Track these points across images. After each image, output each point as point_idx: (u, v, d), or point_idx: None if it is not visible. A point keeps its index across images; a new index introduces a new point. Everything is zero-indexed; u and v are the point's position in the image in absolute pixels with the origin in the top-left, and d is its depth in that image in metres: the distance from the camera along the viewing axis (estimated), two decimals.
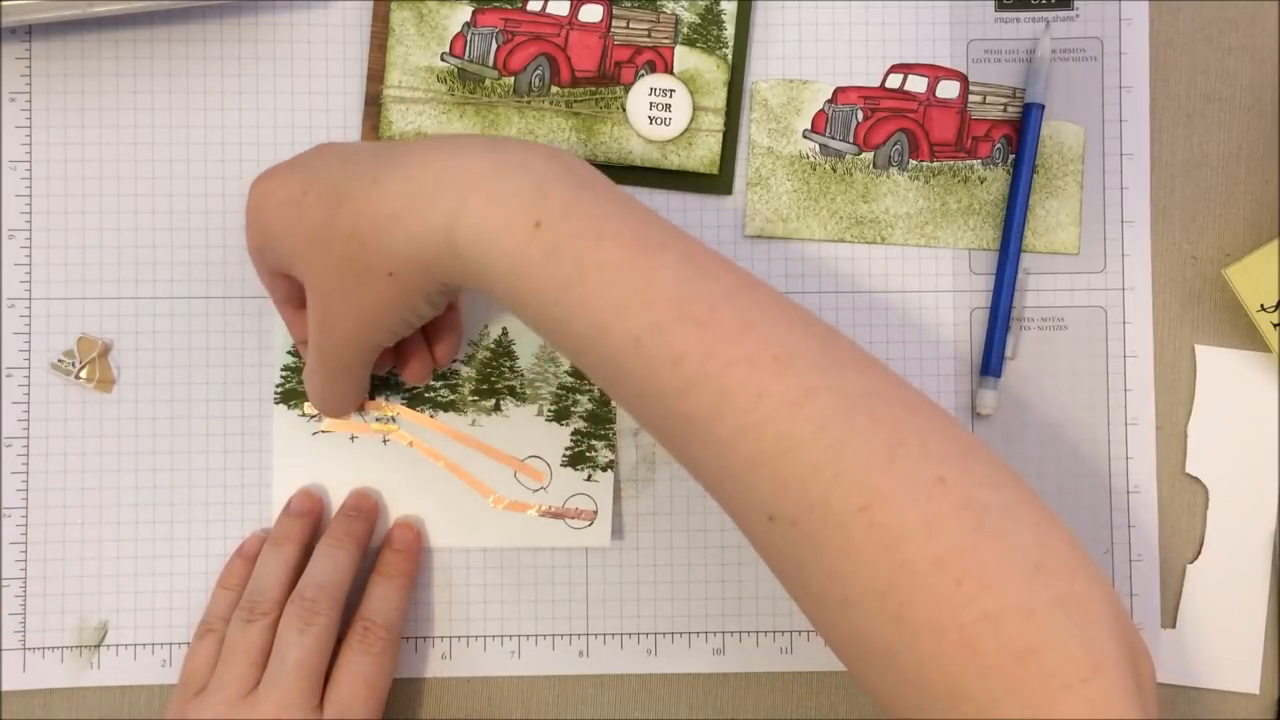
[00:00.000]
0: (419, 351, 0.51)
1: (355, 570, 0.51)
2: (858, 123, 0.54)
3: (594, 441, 0.53)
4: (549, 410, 0.53)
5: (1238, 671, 0.53)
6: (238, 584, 0.51)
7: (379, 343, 0.46)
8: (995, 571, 0.35)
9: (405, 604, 0.52)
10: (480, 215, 0.40)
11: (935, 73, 0.54)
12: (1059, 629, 0.35)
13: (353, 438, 0.53)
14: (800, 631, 0.53)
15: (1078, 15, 0.55)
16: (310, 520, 0.52)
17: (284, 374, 0.53)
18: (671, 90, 0.53)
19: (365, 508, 0.52)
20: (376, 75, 0.53)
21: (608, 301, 0.39)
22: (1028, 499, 0.38)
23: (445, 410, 0.53)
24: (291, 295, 0.48)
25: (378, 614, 0.50)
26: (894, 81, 0.54)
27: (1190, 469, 0.54)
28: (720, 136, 0.54)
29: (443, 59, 0.53)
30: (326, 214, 0.42)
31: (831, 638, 0.39)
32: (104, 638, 0.53)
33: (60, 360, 0.53)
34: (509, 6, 0.54)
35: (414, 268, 0.41)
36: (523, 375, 0.53)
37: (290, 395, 0.53)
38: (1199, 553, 0.54)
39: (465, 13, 0.53)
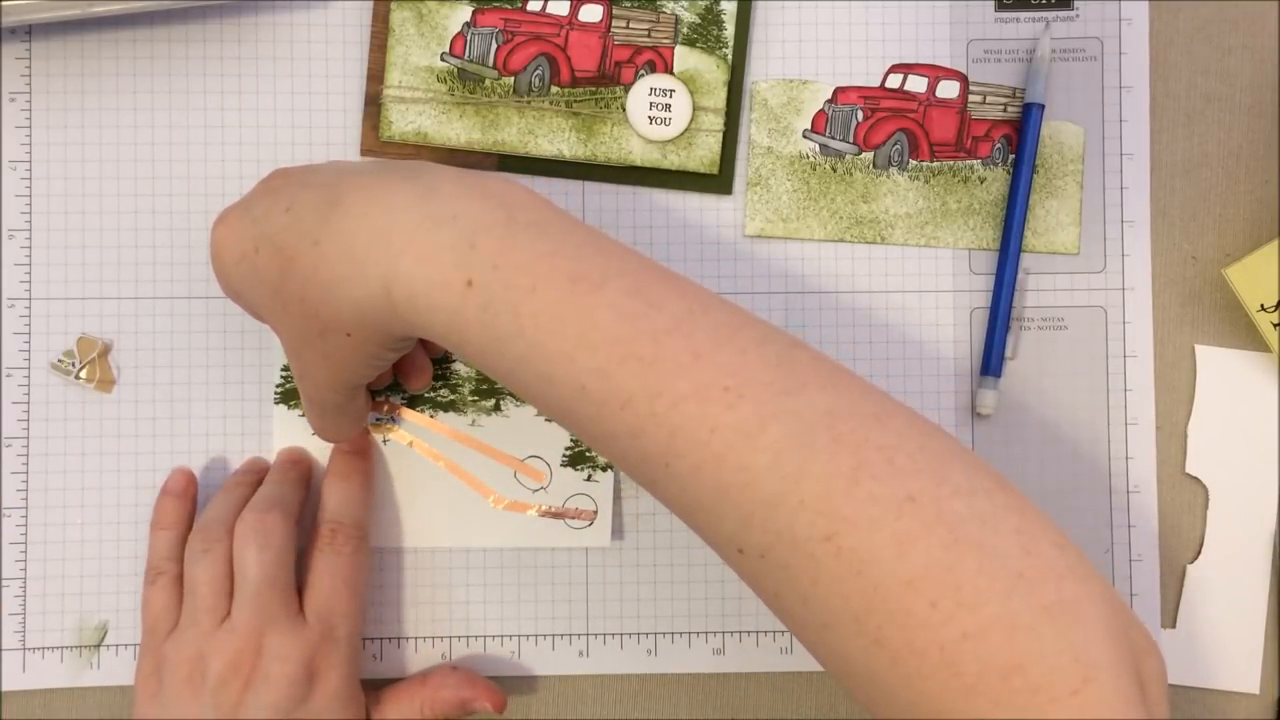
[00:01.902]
0: (417, 360, 0.51)
1: (302, 496, 0.51)
2: (858, 123, 0.54)
3: None
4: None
5: (1238, 671, 0.53)
6: (173, 522, 0.51)
7: (356, 384, 0.46)
8: (972, 587, 0.35)
9: (367, 501, 0.51)
10: (411, 278, 0.39)
11: (935, 73, 0.54)
12: (1044, 641, 0.34)
13: None
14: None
15: (1078, 15, 0.55)
16: (259, 477, 0.52)
17: (284, 374, 0.53)
18: (671, 90, 0.53)
19: (298, 458, 0.52)
20: (376, 75, 0.53)
21: (549, 351, 0.38)
22: (1011, 504, 0.37)
23: (445, 410, 0.53)
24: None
25: (343, 515, 0.50)
26: (894, 81, 0.54)
27: (1190, 469, 0.54)
28: (720, 136, 0.54)
29: (443, 59, 0.53)
30: (279, 273, 0.42)
31: (817, 656, 0.39)
32: (104, 638, 0.53)
33: (60, 360, 0.53)
34: (509, 6, 0.54)
35: (365, 327, 0.41)
36: None
37: (290, 395, 0.53)
38: (1199, 553, 0.54)
39: (465, 13, 0.53)
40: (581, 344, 0.38)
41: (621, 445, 0.38)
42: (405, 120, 0.53)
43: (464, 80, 0.53)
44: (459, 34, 0.53)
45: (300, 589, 0.49)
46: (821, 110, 0.54)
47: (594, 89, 0.54)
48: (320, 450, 0.53)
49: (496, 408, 0.53)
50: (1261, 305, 0.52)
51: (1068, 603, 0.35)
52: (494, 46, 0.54)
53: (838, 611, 0.36)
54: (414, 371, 0.52)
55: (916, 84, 0.54)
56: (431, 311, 0.39)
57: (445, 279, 0.39)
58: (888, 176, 0.54)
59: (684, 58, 0.54)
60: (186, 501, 0.52)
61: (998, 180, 0.54)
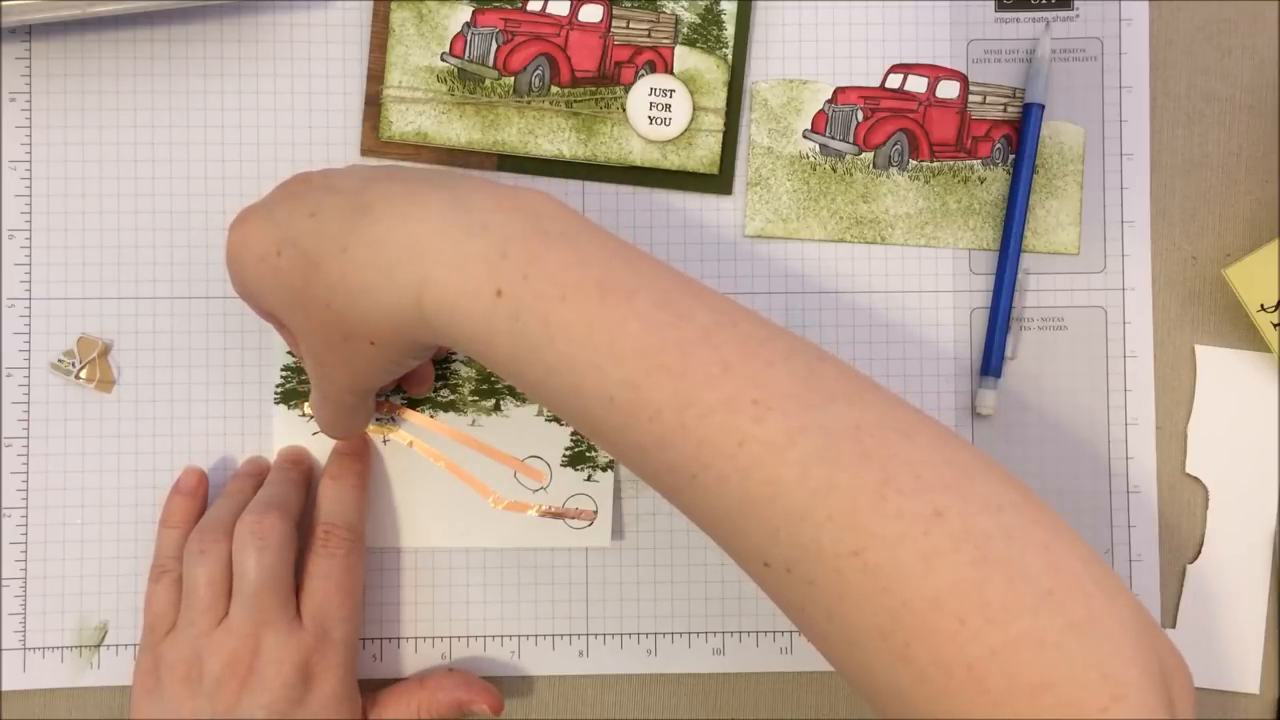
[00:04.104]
0: (421, 367, 0.51)
1: (302, 497, 0.51)
2: (858, 123, 0.54)
3: None
4: (549, 410, 0.53)
5: (1238, 671, 0.53)
6: (181, 521, 0.51)
7: (374, 387, 0.46)
8: (1000, 604, 0.34)
9: (362, 503, 0.51)
10: (442, 287, 0.39)
11: (935, 73, 0.54)
12: (1072, 658, 0.34)
13: None
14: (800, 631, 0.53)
15: (1078, 15, 0.55)
16: (260, 479, 0.52)
17: (284, 374, 0.53)
18: (671, 90, 0.53)
19: (299, 457, 0.53)
20: (376, 75, 0.53)
21: (578, 361, 0.38)
22: (1039, 518, 0.37)
23: (445, 410, 0.53)
24: (283, 324, 0.48)
25: (335, 515, 0.50)
26: (894, 81, 0.54)
27: (1190, 469, 0.54)
28: (720, 136, 0.54)
29: (443, 59, 0.53)
30: (302, 278, 0.42)
31: (842, 671, 0.38)
32: (104, 638, 0.53)
33: (60, 360, 0.53)
34: (509, 6, 0.54)
35: (391, 334, 0.41)
36: None
37: (290, 395, 0.53)
38: (1199, 553, 0.54)
39: (465, 13, 0.53)
40: (611, 354, 0.38)
41: (649, 457, 0.38)
42: (405, 120, 0.53)
43: (464, 80, 0.53)
44: (459, 34, 0.53)
45: (298, 591, 0.49)
46: (821, 110, 0.54)
47: (594, 89, 0.54)
48: (320, 450, 0.53)
49: (496, 408, 0.53)
50: (1261, 305, 0.52)
51: (1096, 619, 0.35)
52: (494, 46, 0.54)
53: (864, 627, 0.36)
54: (416, 378, 0.52)
55: (916, 84, 0.54)
56: (461, 320, 0.39)
57: (476, 288, 0.39)
58: (888, 176, 0.54)
59: (684, 58, 0.54)
60: (196, 500, 0.52)
61: (998, 180, 0.54)
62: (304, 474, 0.52)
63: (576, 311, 0.38)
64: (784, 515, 0.36)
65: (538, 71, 0.54)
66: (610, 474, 0.53)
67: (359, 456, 0.52)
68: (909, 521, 0.35)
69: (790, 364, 0.38)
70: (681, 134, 0.54)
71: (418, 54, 0.53)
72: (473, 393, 0.53)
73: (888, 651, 0.35)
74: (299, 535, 0.49)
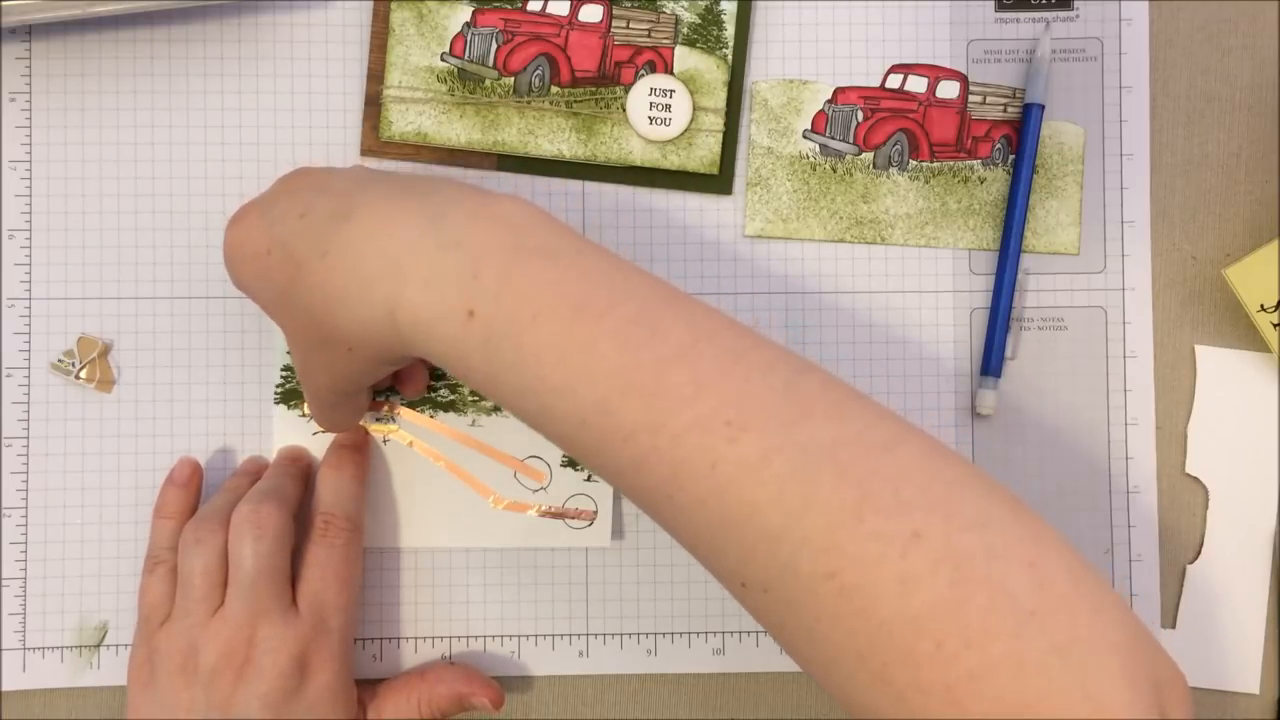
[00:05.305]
0: (414, 368, 0.52)
1: (300, 490, 0.51)
2: (858, 123, 0.54)
3: None
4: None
5: (1238, 671, 0.53)
6: (176, 512, 0.51)
7: (357, 388, 0.46)
8: (980, 626, 0.34)
9: (361, 494, 0.51)
10: (414, 306, 0.39)
11: (935, 73, 0.54)
12: (1053, 680, 0.33)
13: None
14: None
15: (1078, 15, 0.55)
16: (258, 476, 0.52)
17: (284, 374, 0.53)
18: (671, 90, 0.53)
19: (298, 455, 0.53)
20: (376, 75, 0.53)
21: (550, 384, 0.38)
22: (1025, 535, 0.36)
23: (445, 410, 0.53)
24: None
25: (335, 506, 0.50)
26: (894, 81, 0.54)
27: (1190, 469, 0.54)
28: (720, 136, 0.54)
29: (443, 59, 0.53)
30: (288, 279, 0.42)
31: (824, 688, 0.38)
32: (104, 638, 0.53)
33: (60, 360, 0.53)
34: (509, 6, 0.54)
35: (367, 344, 0.41)
36: None
37: (290, 395, 0.53)
38: (1199, 553, 0.54)
39: (465, 13, 0.53)
40: (583, 376, 0.37)
41: (626, 477, 0.38)
42: (405, 120, 0.53)
43: (464, 80, 0.53)
44: (459, 34, 0.53)
45: (295, 582, 0.49)
46: (821, 110, 0.54)
47: (594, 89, 0.54)
48: (320, 450, 0.53)
49: (497, 408, 0.53)
50: (1261, 305, 0.52)
51: (1081, 640, 0.34)
52: (494, 46, 0.54)
53: (842, 648, 0.35)
54: (409, 380, 0.52)
55: (916, 84, 0.54)
56: (434, 339, 0.39)
57: (448, 308, 0.38)
58: (888, 177, 0.54)
59: (684, 58, 0.54)
60: (190, 492, 0.52)
61: (998, 180, 0.54)
62: (303, 470, 0.52)
63: (548, 333, 0.38)
64: (760, 536, 0.36)
65: (538, 71, 0.54)
66: None
67: (358, 448, 0.52)
68: (886, 542, 0.35)
69: (768, 380, 0.37)
70: (681, 134, 0.54)
71: (418, 54, 0.53)
72: (473, 393, 0.53)
73: (865, 672, 0.35)
74: (296, 530, 0.49)
